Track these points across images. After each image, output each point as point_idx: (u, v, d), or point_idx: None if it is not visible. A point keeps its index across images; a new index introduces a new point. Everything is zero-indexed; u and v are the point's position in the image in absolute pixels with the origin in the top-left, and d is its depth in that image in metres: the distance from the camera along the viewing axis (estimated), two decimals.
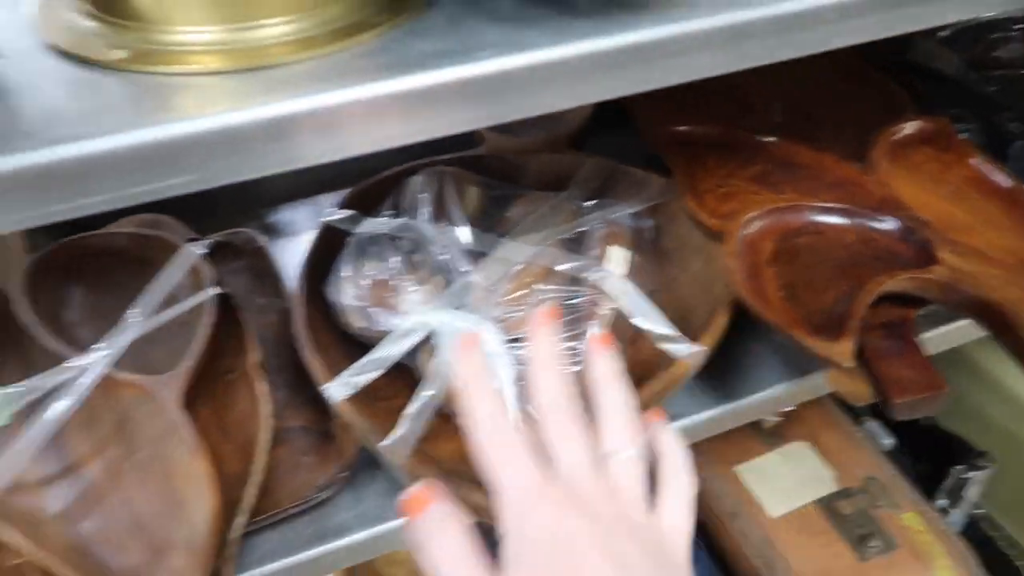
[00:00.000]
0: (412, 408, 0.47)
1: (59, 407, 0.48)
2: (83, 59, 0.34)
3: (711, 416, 0.60)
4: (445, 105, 0.34)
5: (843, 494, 0.77)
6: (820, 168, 0.63)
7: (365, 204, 0.59)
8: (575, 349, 0.49)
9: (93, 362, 0.50)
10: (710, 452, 0.79)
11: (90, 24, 0.36)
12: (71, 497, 0.47)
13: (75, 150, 0.30)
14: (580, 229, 0.57)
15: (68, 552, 0.43)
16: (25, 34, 0.37)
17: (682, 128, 0.65)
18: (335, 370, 0.51)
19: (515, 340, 0.51)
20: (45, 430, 0.47)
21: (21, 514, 0.45)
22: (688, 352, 0.51)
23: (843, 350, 0.48)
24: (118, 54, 0.34)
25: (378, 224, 0.57)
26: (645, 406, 0.50)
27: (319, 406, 0.57)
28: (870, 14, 0.41)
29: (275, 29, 0.35)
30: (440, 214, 0.58)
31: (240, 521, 0.45)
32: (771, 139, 0.65)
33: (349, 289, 0.53)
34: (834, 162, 0.63)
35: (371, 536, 0.53)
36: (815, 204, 0.59)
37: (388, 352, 0.50)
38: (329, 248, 0.58)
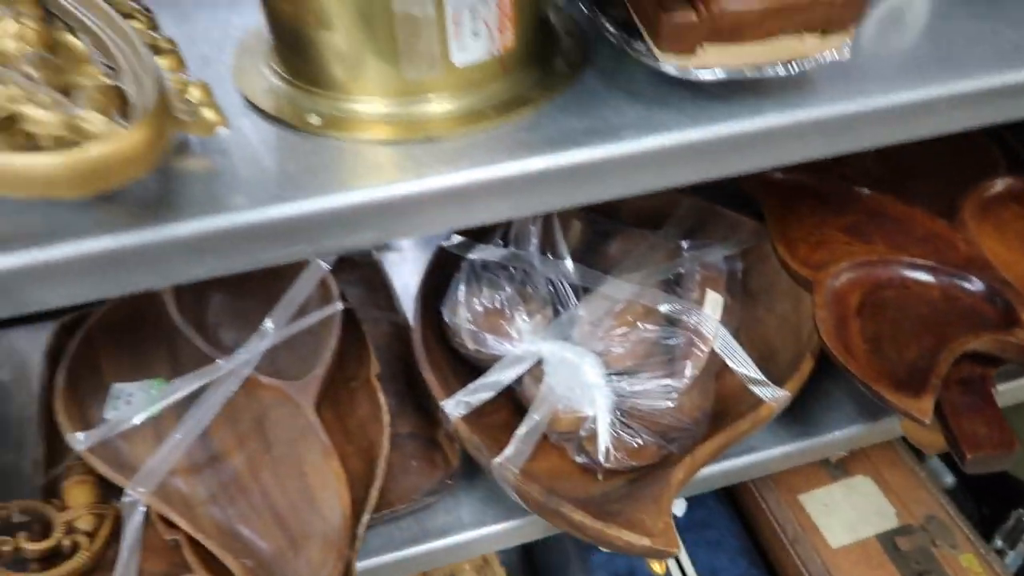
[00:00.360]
0: (522, 430, 0.52)
1: (211, 403, 0.55)
2: (284, 123, 0.40)
3: (786, 451, 0.64)
4: (592, 178, 0.39)
5: (904, 530, 0.80)
6: (910, 222, 0.65)
7: (476, 230, 0.64)
8: (671, 387, 0.54)
9: (239, 365, 0.57)
10: (777, 480, 0.82)
11: (283, 86, 0.42)
12: (217, 485, 0.53)
13: (280, 212, 0.35)
14: (678, 271, 0.61)
15: (219, 533, 0.50)
16: (231, 91, 0.43)
17: (777, 174, 0.69)
18: (446, 385, 0.57)
19: (615, 373, 0.55)
20: (199, 423, 0.54)
21: (179, 496, 0.51)
22: (774, 396, 0.55)
23: (924, 407, 0.51)
24: (313, 120, 0.40)
25: (490, 252, 0.62)
26: (731, 443, 0.55)
27: (425, 415, 0.63)
28: (981, 104, 0.44)
29: (441, 105, 0.40)
30: (546, 245, 0.63)
31: (365, 519, 0.50)
32: (863, 190, 0.68)
33: (464, 312, 0.58)
34: (924, 216, 0.65)
35: (467, 540, 0.58)
36: (902, 259, 0.62)
37: (500, 377, 0.55)
38: (443, 269, 0.63)
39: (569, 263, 0.61)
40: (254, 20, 0.49)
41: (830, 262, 0.61)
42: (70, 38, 0.37)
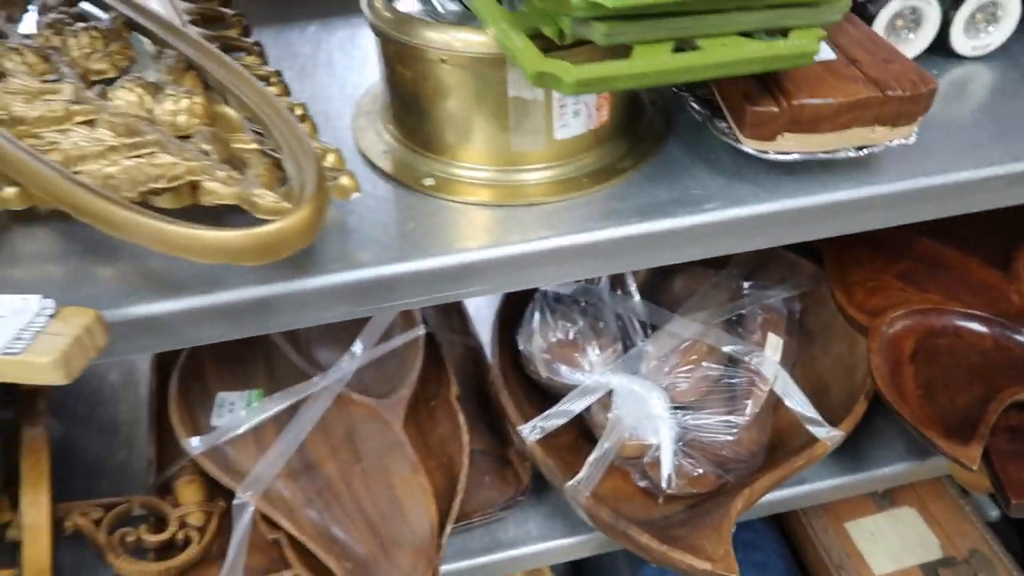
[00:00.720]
0: (593, 456, 0.57)
1: (308, 416, 0.61)
2: (401, 183, 0.45)
3: (836, 484, 0.68)
4: (676, 244, 0.43)
5: (947, 562, 0.83)
6: (965, 271, 0.68)
7: None
8: (732, 422, 0.58)
9: (332, 382, 0.63)
10: (824, 507, 0.86)
11: (398, 148, 0.47)
12: (314, 491, 0.59)
13: (402, 268, 0.41)
14: (740, 312, 0.65)
15: (318, 536, 0.55)
16: (351, 148, 0.48)
17: None
18: (521, 409, 0.62)
19: (679, 407, 0.60)
20: (299, 434, 0.60)
21: (281, 500, 0.57)
22: (828, 435, 0.59)
23: (972, 455, 0.54)
24: (427, 182, 0.45)
25: (562, 285, 0.67)
26: (787, 477, 0.59)
27: (496, 433, 0.68)
28: None
29: (541, 173, 0.45)
30: (616, 281, 0.67)
31: (448, 530, 0.56)
32: (920, 236, 0.71)
33: (539, 342, 0.63)
34: (978, 266, 0.68)
35: (536, 552, 0.63)
36: (956, 309, 0.65)
37: (572, 406, 0.59)
38: (517, 299, 0.68)
39: (638, 299, 0.65)
40: (367, 78, 0.55)
41: (886, 308, 0.65)
42: (225, 108, 0.43)
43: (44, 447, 0.52)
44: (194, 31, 0.51)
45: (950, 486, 0.91)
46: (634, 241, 0.42)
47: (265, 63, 0.52)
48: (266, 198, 0.35)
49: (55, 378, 0.32)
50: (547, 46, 0.38)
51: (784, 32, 0.38)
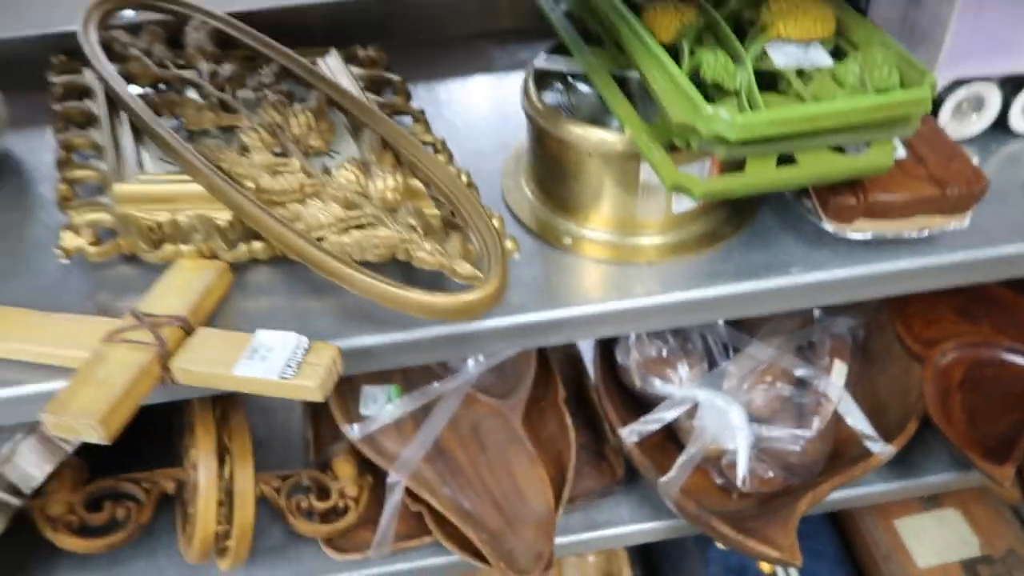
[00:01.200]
0: (682, 458, 0.69)
1: (443, 410, 0.74)
2: (545, 240, 0.57)
3: (887, 489, 0.78)
4: (766, 301, 0.54)
5: (985, 560, 0.93)
6: (1015, 308, 0.77)
7: None
8: (800, 436, 0.69)
9: (462, 383, 0.75)
10: (875, 505, 0.96)
11: (540, 208, 0.59)
12: (448, 474, 0.72)
13: (550, 316, 0.52)
14: (811, 339, 0.75)
15: (455, 510, 0.68)
16: (499, 205, 0.60)
17: None
18: (618, 413, 0.73)
19: (754, 420, 0.71)
20: (436, 425, 0.73)
21: (423, 480, 0.70)
22: (883, 450, 0.69)
23: (1005, 474, 0.64)
24: (566, 240, 0.56)
25: None
26: (845, 483, 0.70)
27: (593, 430, 0.80)
28: None
29: (658, 239, 0.56)
30: None
31: (561, 511, 0.68)
32: None
33: (635, 356, 0.75)
34: None
35: (626, 532, 0.75)
36: (1003, 343, 0.74)
37: (664, 414, 0.71)
38: None
39: (721, 323, 0.76)
40: (510, 135, 0.66)
41: (940, 339, 0.74)
42: (415, 181, 0.55)
43: (247, 428, 0.66)
44: (370, 98, 0.63)
45: (991, 491, 1.00)
46: (732, 298, 0.53)
47: (429, 130, 0.64)
48: (464, 267, 0.47)
49: (316, 397, 0.45)
50: (675, 145, 0.49)
51: (866, 143, 0.48)
